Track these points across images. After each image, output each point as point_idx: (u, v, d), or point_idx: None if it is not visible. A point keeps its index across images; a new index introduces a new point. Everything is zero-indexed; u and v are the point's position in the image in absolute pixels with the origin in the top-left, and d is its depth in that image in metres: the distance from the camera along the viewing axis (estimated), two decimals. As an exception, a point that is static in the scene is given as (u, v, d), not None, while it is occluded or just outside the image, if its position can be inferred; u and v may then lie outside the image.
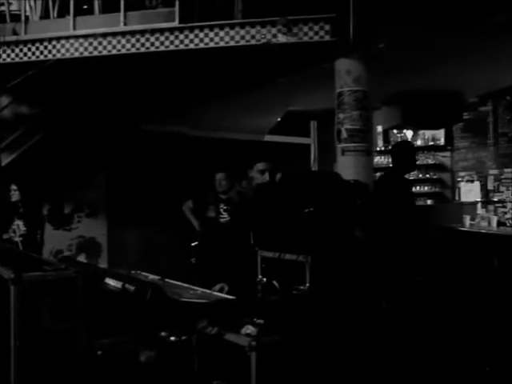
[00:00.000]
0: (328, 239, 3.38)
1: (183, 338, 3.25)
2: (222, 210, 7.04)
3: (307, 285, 3.23)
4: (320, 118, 11.39)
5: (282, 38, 5.97)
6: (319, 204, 3.36)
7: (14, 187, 6.81)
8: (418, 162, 11.06)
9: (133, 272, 4.48)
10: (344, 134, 6.16)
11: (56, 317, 3.55)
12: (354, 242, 3.66)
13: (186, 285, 4.04)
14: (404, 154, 5.71)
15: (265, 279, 3.51)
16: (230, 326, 3.11)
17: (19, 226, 6.72)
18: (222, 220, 7.01)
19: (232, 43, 6.11)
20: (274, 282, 3.41)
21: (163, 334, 3.29)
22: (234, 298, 3.60)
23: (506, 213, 9.70)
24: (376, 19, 5.86)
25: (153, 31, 6.32)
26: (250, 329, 3.03)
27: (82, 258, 10.29)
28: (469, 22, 5.35)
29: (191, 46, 6.21)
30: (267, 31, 6.04)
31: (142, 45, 6.35)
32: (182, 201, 7.72)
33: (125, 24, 6.44)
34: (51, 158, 9.22)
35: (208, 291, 3.90)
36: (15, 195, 6.82)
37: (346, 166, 6.10)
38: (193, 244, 6.75)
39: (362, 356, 3.28)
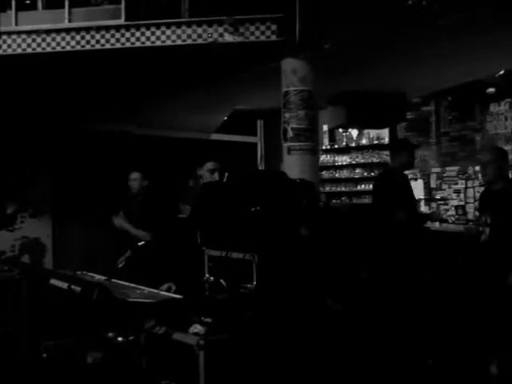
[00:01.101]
0: (274, 237, 3.42)
1: (131, 338, 3.24)
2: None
3: (254, 283, 3.26)
4: (267, 116, 11.48)
5: (228, 38, 5.99)
6: (266, 203, 3.40)
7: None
8: (362, 161, 11.34)
9: (79, 273, 4.41)
10: (290, 133, 6.23)
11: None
12: (300, 240, 3.72)
13: (132, 285, 4.01)
14: (404, 151, 5.77)
15: (212, 278, 3.52)
16: (177, 326, 3.11)
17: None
18: None
19: (179, 42, 6.11)
20: (221, 281, 3.42)
21: (110, 334, 3.27)
22: (181, 297, 3.60)
23: (447, 210, 10.00)
24: (322, 20, 5.94)
25: (98, 28, 6.25)
26: (197, 328, 3.05)
27: (25, 259, 10.09)
28: (411, 26, 5.50)
29: (137, 44, 6.18)
30: (214, 30, 6.06)
31: (88, 42, 6.28)
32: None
33: (69, 20, 6.35)
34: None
35: (155, 291, 3.88)
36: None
37: (292, 165, 6.17)
38: (139, 244, 6.67)
39: (307, 352, 3.33)
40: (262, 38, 6.00)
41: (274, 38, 5.97)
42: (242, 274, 3.33)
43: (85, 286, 3.42)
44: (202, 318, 3.10)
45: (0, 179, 9.58)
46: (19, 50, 6.38)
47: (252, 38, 6.01)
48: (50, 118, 9.57)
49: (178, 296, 3.67)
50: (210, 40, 6.04)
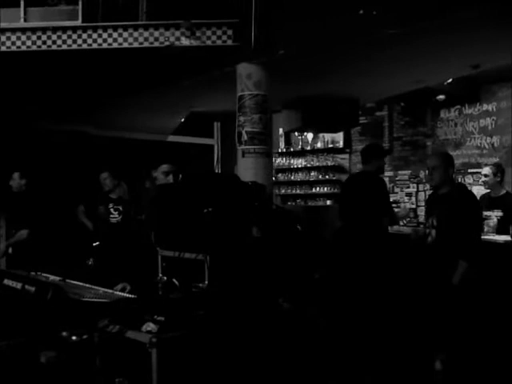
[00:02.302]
0: (226, 238, 3.50)
1: (84, 337, 3.27)
2: (111, 209, 7.04)
3: (206, 282, 3.34)
4: (224, 119, 11.54)
5: (185, 41, 6.06)
6: (218, 205, 3.48)
7: None
8: (317, 164, 11.53)
9: (33, 273, 4.40)
10: (244, 137, 6.33)
11: None
12: (251, 241, 3.82)
13: (87, 285, 4.03)
14: (382, 156, 6.13)
15: (165, 278, 3.59)
16: (131, 324, 3.17)
17: None
18: (112, 220, 7.01)
19: (136, 44, 6.15)
20: (174, 280, 3.50)
21: (64, 334, 3.30)
22: (135, 296, 3.65)
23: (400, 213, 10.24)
24: (277, 26, 6.05)
25: (55, 29, 6.23)
26: (150, 326, 3.10)
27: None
28: (363, 34, 5.63)
29: (94, 45, 6.20)
30: (171, 34, 6.12)
31: (44, 42, 6.25)
32: (81, 201, 7.65)
33: (25, 20, 6.31)
34: None
35: (110, 291, 3.90)
36: None
37: (246, 168, 6.28)
38: (94, 244, 6.69)
39: (258, 351, 3.42)
40: (219, 42, 6.09)
41: (229, 42, 6.07)
42: (195, 273, 3.41)
43: (39, 286, 3.45)
44: (155, 317, 3.16)
45: None
46: (-28, 49, 6.34)
47: (208, 43, 6.10)
48: (3, 117, 9.45)
49: (132, 295, 3.73)
50: (167, 43, 6.10)
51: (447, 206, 4.82)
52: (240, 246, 3.62)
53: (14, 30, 6.27)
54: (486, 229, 6.03)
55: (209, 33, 6.11)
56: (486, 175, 6.49)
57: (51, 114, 9.60)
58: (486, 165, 7.05)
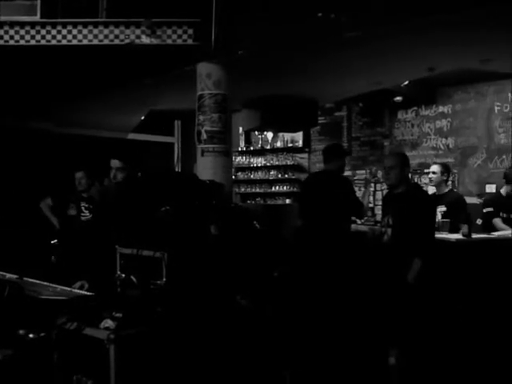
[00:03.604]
0: (184, 236, 3.54)
1: (42, 334, 3.28)
2: (83, 208, 6.99)
3: (164, 279, 3.38)
4: (185, 117, 11.53)
5: (145, 40, 6.06)
6: (176, 203, 3.52)
7: None
8: (277, 163, 11.62)
9: (-10, 271, 4.36)
10: (204, 136, 6.36)
11: None
12: (209, 239, 3.86)
13: (45, 283, 4.02)
14: (343, 156, 6.24)
15: (123, 275, 3.60)
16: (89, 321, 3.19)
17: None
18: (83, 218, 6.96)
19: (95, 42, 6.11)
20: (132, 278, 3.51)
21: (21, 331, 3.29)
22: (92, 294, 3.67)
23: (357, 211, 10.39)
24: (236, 26, 6.10)
25: (12, 24, 6.15)
26: (108, 323, 3.13)
27: None
28: (321, 35, 5.72)
29: (53, 42, 6.13)
30: (131, 32, 6.11)
31: (1, 37, 6.16)
32: (41, 198, 7.55)
33: (-19, 14, 6.22)
34: None
35: (68, 289, 3.91)
36: None
37: (206, 167, 6.32)
38: (52, 242, 6.62)
39: (216, 348, 3.47)
40: (179, 41, 6.10)
41: (190, 41, 6.08)
42: (153, 270, 3.44)
43: (-5, 283, 3.44)
44: (113, 314, 3.19)
45: None
46: None
47: (169, 41, 6.11)
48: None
49: (90, 293, 3.74)
50: (127, 41, 6.08)
51: (403, 205, 4.93)
52: (198, 243, 3.67)
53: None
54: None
55: (169, 32, 6.11)
56: (434, 172, 6.67)
57: (10, 110, 9.47)
58: (436, 163, 7.22)
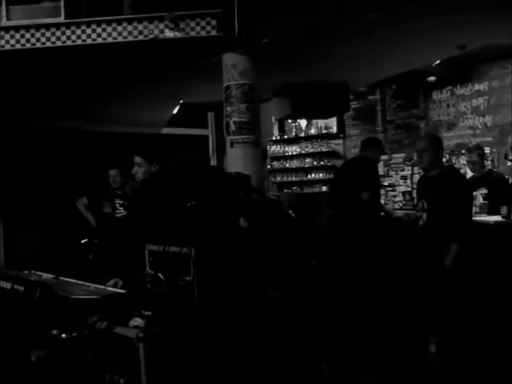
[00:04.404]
0: (211, 230, 3.51)
1: (74, 334, 3.29)
2: (117, 205, 7.03)
3: (191, 275, 3.35)
4: (217, 109, 11.50)
5: (169, 34, 6.03)
6: (202, 197, 3.49)
7: None
8: (311, 150, 11.52)
9: (26, 272, 4.42)
10: (232, 127, 6.33)
11: None
12: (238, 233, 3.82)
13: (80, 282, 4.04)
14: (382, 149, 6.34)
15: (152, 272, 3.59)
16: (119, 320, 3.19)
17: None
18: (118, 215, 7.01)
19: (120, 39, 6.12)
20: (159, 274, 3.50)
21: (54, 332, 3.32)
22: (123, 291, 3.67)
23: (395, 196, 10.26)
24: (260, 14, 6.03)
25: (38, 27, 6.20)
26: (137, 321, 3.13)
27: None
28: (345, 18, 5.62)
29: (78, 41, 6.16)
30: (155, 27, 6.09)
31: (28, 41, 6.23)
32: (77, 197, 7.64)
33: (8, 19, 6.28)
34: None
35: (102, 287, 3.92)
36: None
37: (235, 158, 6.29)
38: (83, 241, 6.69)
39: (247, 344, 3.44)
40: (203, 33, 6.06)
41: (214, 32, 6.04)
42: (181, 267, 3.42)
43: (28, 285, 3.47)
44: (142, 312, 3.18)
45: None
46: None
47: (193, 34, 6.07)
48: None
49: (122, 291, 3.74)
50: (151, 36, 6.07)
51: (437, 188, 4.83)
52: (226, 237, 3.62)
53: (-3, 29, 6.25)
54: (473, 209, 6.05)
55: (193, 24, 6.07)
56: (473, 162, 6.54)
57: (43, 111, 9.61)
58: (470, 149, 6.96)
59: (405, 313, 5.15)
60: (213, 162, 12.59)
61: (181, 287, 3.37)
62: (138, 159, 4.47)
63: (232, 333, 3.36)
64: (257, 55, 6.30)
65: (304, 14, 5.67)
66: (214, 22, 6.04)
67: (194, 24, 6.08)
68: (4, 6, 6.26)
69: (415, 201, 8.75)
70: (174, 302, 3.29)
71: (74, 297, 3.48)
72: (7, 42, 6.22)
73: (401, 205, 9.34)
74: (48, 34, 6.18)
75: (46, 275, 4.27)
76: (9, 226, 10.48)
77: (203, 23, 6.07)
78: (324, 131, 11.50)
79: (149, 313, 3.17)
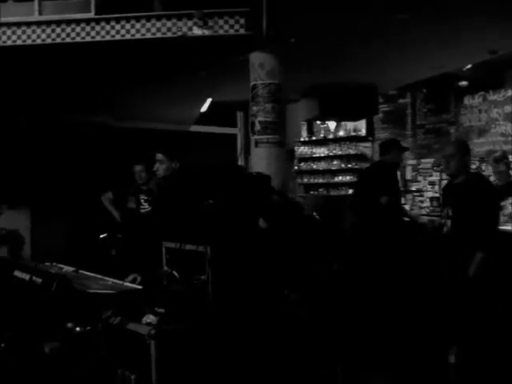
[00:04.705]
0: (229, 230, 3.48)
1: (88, 328, 3.30)
2: (142, 200, 7.05)
3: (206, 274, 3.33)
4: (246, 108, 11.50)
5: (197, 31, 6.03)
6: (220, 196, 3.47)
7: None
8: (339, 152, 11.43)
9: (47, 264, 4.45)
10: (257, 126, 6.29)
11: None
12: (257, 232, 3.79)
13: (99, 276, 4.05)
14: (400, 151, 6.24)
15: (169, 269, 3.59)
16: (133, 316, 3.18)
17: None
18: (142, 210, 7.03)
19: (148, 35, 6.14)
20: (174, 272, 3.49)
21: (69, 324, 3.33)
22: (139, 288, 3.67)
23: (422, 201, 10.12)
24: (288, 14, 5.99)
25: (69, 22, 6.26)
26: (150, 318, 3.12)
27: (3, 251, 10.10)
28: (373, 19, 5.56)
29: (108, 37, 6.20)
30: (183, 24, 6.09)
31: (58, 35, 6.29)
32: (103, 192, 7.69)
33: (40, 13, 6.35)
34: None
35: (119, 282, 3.91)
36: None
37: (259, 157, 6.26)
38: (101, 236, 6.72)
39: (261, 345, 3.41)
40: (231, 31, 6.05)
41: (242, 31, 6.02)
42: (197, 265, 3.41)
43: (45, 277, 3.49)
44: (156, 309, 3.17)
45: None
46: (-10, 43, 6.41)
47: (221, 32, 6.06)
48: (27, 111, 9.59)
49: (138, 287, 3.74)
50: (179, 34, 6.07)
51: (463, 195, 4.73)
52: (244, 237, 3.60)
53: (29, 24, 6.31)
54: (501, 218, 5.91)
55: (221, 22, 6.06)
56: (500, 172, 6.41)
57: (74, 106, 9.71)
58: (496, 159, 6.77)
59: (426, 320, 5.06)
60: (240, 162, 12.58)
61: (195, 286, 3.35)
62: (159, 156, 4.46)
63: (244, 334, 3.34)
64: (284, 55, 6.26)
65: (332, 14, 5.62)
66: (242, 21, 6.02)
67: (223, 22, 6.07)
68: (37, 1, 6.33)
69: (443, 207, 8.69)
70: (187, 300, 3.27)
71: (90, 291, 3.49)
72: (38, 36, 6.29)
73: (428, 211, 9.20)
74: (78, 29, 6.23)
75: (66, 268, 4.29)
76: (37, 219, 10.61)
77: (232, 21, 6.05)
78: (353, 134, 11.40)
79: (162, 310, 3.15)
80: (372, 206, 5.85)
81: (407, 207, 9.47)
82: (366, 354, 4.73)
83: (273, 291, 3.70)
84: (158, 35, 6.11)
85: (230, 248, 3.43)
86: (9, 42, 6.35)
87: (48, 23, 6.30)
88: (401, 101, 10.97)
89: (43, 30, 6.29)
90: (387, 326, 5.22)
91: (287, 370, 3.53)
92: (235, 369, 3.24)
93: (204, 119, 11.75)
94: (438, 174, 9.98)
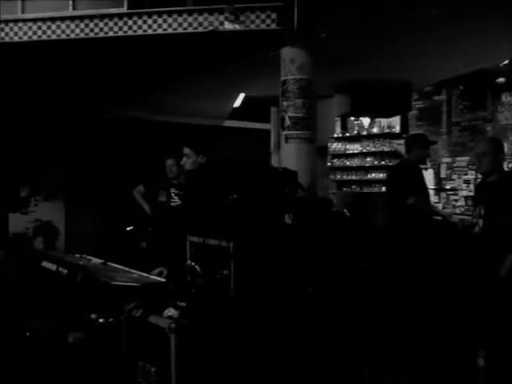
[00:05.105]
0: (252, 225, 3.47)
1: (111, 320, 3.33)
2: (172, 194, 7.09)
3: (229, 269, 3.33)
4: (280, 103, 11.48)
5: (229, 26, 6.02)
6: (244, 191, 3.46)
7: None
8: (373, 149, 11.30)
9: (77, 255, 4.50)
10: (287, 122, 6.26)
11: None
12: (282, 228, 3.77)
13: (126, 269, 4.08)
14: (423, 147, 6.02)
15: (192, 263, 3.59)
16: (154, 309, 3.20)
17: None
18: (172, 204, 7.07)
19: (180, 30, 6.16)
20: (196, 266, 3.50)
21: (93, 316, 3.37)
22: (163, 281, 3.69)
23: (457, 200, 9.95)
24: (320, 9, 5.94)
25: (102, 16, 6.32)
26: (171, 311, 3.13)
27: (38, 242, 10.30)
28: (406, 14, 5.48)
29: (140, 32, 6.25)
30: (215, 19, 6.09)
31: (91, 30, 6.36)
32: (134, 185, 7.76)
33: (73, 8, 6.43)
34: (6, 141, 9.19)
35: (145, 275, 3.93)
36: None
37: (289, 153, 6.23)
38: (128, 228, 6.77)
39: (283, 341, 3.39)
40: (262, 26, 6.02)
41: (273, 26, 5.99)
42: (219, 260, 3.41)
43: (71, 268, 3.53)
44: (177, 302, 3.18)
45: (14, 163, 9.79)
46: (25, 38, 6.50)
47: (252, 27, 6.04)
48: (63, 105, 9.73)
49: (162, 280, 3.76)
50: (211, 28, 6.08)
51: (495, 194, 4.63)
52: (268, 233, 3.58)
53: (63, 19, 6.40)
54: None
55: (253, 17, 6.04)
56: None
57: (108, 100, 9.82)
58: None
59: (454, 322, 4.98)
60: (273, 157, 12.56)
61: (217, 280, 3.36)
62: (186, 150, 4.47)
63: (264, 329, 3.32)
64: (315, 50, 6.21)
65: (364, 10, 5.55)
66: (273, 16, 5.98)
67: (254, 17, 6.04)
68: (71, -4, 6.43)
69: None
70: (209, 294, 3.28)
71: (114, 283, 3.52)
72: (72, 31, 6.37)
73: (462, 210, 9.04)
74: (111, 23, 6.29)
75: (95, 260, 4.34)
76: (71, 211, 10.79)
77: (263, 16, 6.02)
78: (387, 130, 11.24)
79: (183, 304, 3.16)
80: (400, 206, 5.76)
81: (440, 206, 9.34)
82: (391, 355, 4.68)
83: (293, 288, 3.68)
84: (190, 30, 6.13)
85: (253, 243, 3.42)
86: (44, 37, 6.45)
87: (81, 18, 6.37)
88: (436, 97, 10.78)
89: (77, 25, 6.38)
90: (414, 326, 5.15)
91: (307, 367, 3.51)
92: (254, 364, 3.23)
93: (238, 114, 11.75)
94: (473, 172, 9.78)
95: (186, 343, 3.03)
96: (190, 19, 6.13)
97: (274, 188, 3.72)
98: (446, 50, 6.98)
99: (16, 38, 6.50)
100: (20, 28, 6.49)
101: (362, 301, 4.59)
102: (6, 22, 6.51)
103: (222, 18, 6.06)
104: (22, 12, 6.54)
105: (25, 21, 6.49)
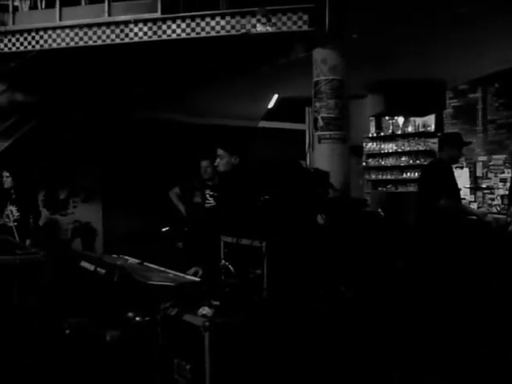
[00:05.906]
0: (285, 225, 3.52)
1: (147, 318, 3.42)
2: (208, 195, 7.16)
3: (261, 269, 3.38)
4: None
5: (261, 28, 6.07)
6: (277, 192, 3.50)
7: (6, 174, 6.92)
8: (408, 148, 11.22)
9: (114, 256, 4.61)
10: (320, 122, 6.28)
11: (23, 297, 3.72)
12: (314, 228, 3.81)
13: (162, 268, 4.17)
14: (456, 146, 5.94)
15: (226, 263, 3.66)
16: (189, 308, 3.27)
17: (12, 211, 6.83)
18: (207, 205, 7.14)
19: (213, 33, 6.24)
20: (229, 266, 3.55)
21: (129, 314, 3.46)
22: (198, 280, 3.76)
23: (493, 199, 9.83)
24: (352, 9, 5.95)
25: (136, 22, 6.45)
26: (205, 310, 3.20)
27: (77, 243, 10.51)
28: (435, 13, 5.45)
29: (173, 36, 6.34)
30: (247, 21, 6.15)
31: (126, 35, 6.49)
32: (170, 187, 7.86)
33: (109, 14, 6.57)
34: (45, 145, 9.41)
35: (181, 275, 4.01)
36: (7, 182, 6.91)
37: (322, 154, 6.24)
38: (163, 229, 6.87)
39: (315, 341, 3.42)
40: (294, 28, 6.06)
41: (305, 27, 6.02)
42: (253, 260, 3.46)
43: (108, 268, 3.64)
44: (211, 301, 3.25)
45: (53, 166, 10.01)
46: (63, 45, 6.67)
47: (284, 29, 6.08)
48: (99, 108, 9.90)
49: (197, 280, 3.83)
50: (243, 31, 6.14)
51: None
52: (300, 233, 3.62)
53: (99, 25, 6.55)
54: None
55: (284, 18, 6.08)
56: None
57: (143, 103, 9.97)
58: None
59: (487, 321, 4.94)
60: (308, 158, 12.55)
61: (251, 280, 3.41)
62: (219, 151, 4.54)
63: (297, 329, 3.36)
64: (347, 50, 6.22)
65: (395, 10, 5.54)
66: (305, 17, 6.01)
67: (286, 19, 6.08)
68: (106, 3, 6.55)
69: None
70: (242, 294, 3.34)
71: (150, 282, 3.61)
72: (108, 36, 6.51)
73: (498, 209, 8.92)
74: (145, 28, 6.41)
75: (131, 260, 4.44)
76: (108, 212, 10.96)
77: (295, 18, 6.06)
78: (421, 129, 11.14)
79: (217, 303, 3.23)
80: (430, 207, 5.71)
81: (475, 205, 9.24)
82: (424, 356, 4.66)
83: (326, 288, 3.71)
84: (223, 33, 6.20)
85: (285, 243, 3.46)
86: (81, 43, 6.61)
87: (117, 24, 6.51)
88: (471, 95, 10.67)
89: (112, 31, 6.51)
90: (445, 326, 5.12)
91: (338, 368, 3.53)
92: (286, 363, 3.27)
93: (273, 115, 11.78)
94: (509, 170, 9.65)
95: (219, 341, 3.09)
96: (223, 22, 6.21)
97: (306, 188, 3.76)
98: (478, 49, 6.91)
99: (54, 45, 6.67)
100: (58, 35, 6.66)
101: (395, 301, 4.58)
102: (45, 29, 6.70)
103: (254, 20, 6.12)
104: (60, 19, 6.72)
105: (62, 28, 6.66)
